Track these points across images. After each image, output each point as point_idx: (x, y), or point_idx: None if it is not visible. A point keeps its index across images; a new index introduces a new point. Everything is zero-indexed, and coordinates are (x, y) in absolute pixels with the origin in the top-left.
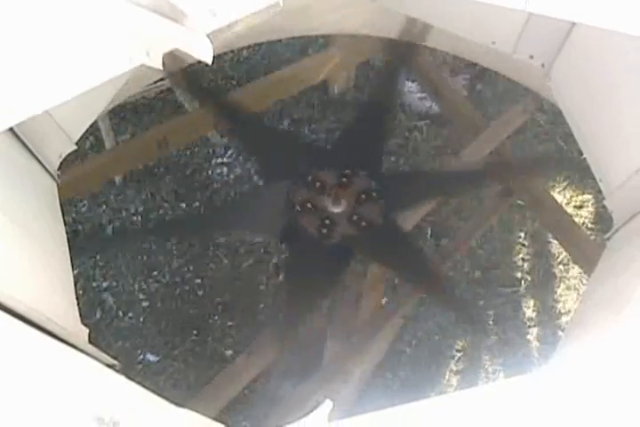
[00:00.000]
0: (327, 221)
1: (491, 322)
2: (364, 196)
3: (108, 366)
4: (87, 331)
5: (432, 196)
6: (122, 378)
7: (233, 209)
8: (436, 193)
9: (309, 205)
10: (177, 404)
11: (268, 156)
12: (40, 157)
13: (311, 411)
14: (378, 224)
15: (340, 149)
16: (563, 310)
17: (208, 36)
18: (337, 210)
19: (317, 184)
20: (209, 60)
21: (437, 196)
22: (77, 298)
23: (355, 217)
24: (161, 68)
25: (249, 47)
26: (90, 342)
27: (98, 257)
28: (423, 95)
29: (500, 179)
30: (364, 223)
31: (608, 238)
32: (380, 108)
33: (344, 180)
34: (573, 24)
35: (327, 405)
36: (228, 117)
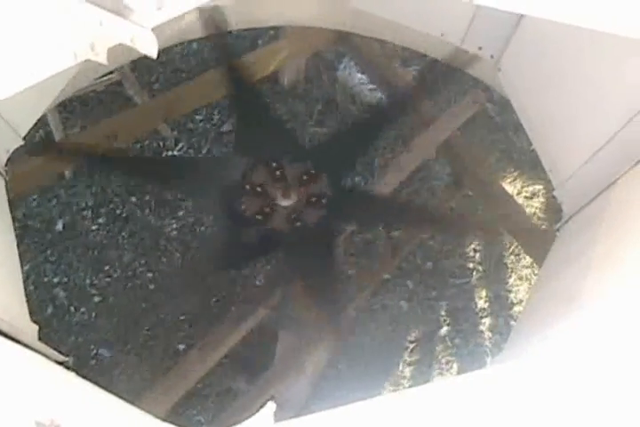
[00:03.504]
0: (267, 209)
1: (443, 313)
2: (314, 199)
3: (59, 362)
4: (37, 328)
5: (378, 223)
6: (72, 375)
7: (189, 165)
8: (383, 223)
9: (259, 189)
10: (129, 400)
11: (250, 129)
12: None
13: (256, 412)
14: (311, 230)
15: (319, 149)
16: (515, 300)
17: (154, 29)
18: (282, 203)
19: (278, 172)
20: (154, 55)
21: (383, 225)
22: (29, 294)
23: (294, 215)
24: (106, 63)
25: (199, 39)
26: (40, 338)
27: (48, 252)
28: (374, 87)
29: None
30: (298, 224)
31: (558, 229)
32: (378, 126)
33: (305, 177)
34: (521, 16)
35: (271, 406)
36: (237, 83)
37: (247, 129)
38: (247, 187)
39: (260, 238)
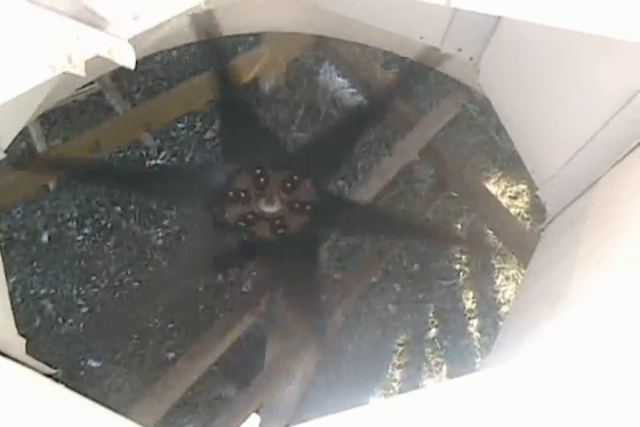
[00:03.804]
0: (250, 216)
1: (431, 315)
2: (297, 205)
3: (48, 375)
4: (24, 341)
5: (361, 231)
6: (61, 388)
7: (172, 174)
8: (366, 230)
9: (243, 195)
10: (120, 411)
11: (236, 135)
12: None
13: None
14: (295, 237)
15: (302, 155)
16: (502, 301)
17: (130, 40)
18: (266, 209)
19: (262, 179)
20: (132, 66)
21: (365, 232)
22: (15, 306)
23: (277, 222)
24: (84, 75)
25: (178, 48)
26: (28, 351)
27: (34, 264)
28: (354, 90)
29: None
30: (281, 231)
31: (543, 229)
32: (359, 128)
33: (289, 184)
34: (499, 18)
35: (254, 418)
36: (225, 86)
37: (232, 135)
38: (231, 194)
39: (241, 245)
